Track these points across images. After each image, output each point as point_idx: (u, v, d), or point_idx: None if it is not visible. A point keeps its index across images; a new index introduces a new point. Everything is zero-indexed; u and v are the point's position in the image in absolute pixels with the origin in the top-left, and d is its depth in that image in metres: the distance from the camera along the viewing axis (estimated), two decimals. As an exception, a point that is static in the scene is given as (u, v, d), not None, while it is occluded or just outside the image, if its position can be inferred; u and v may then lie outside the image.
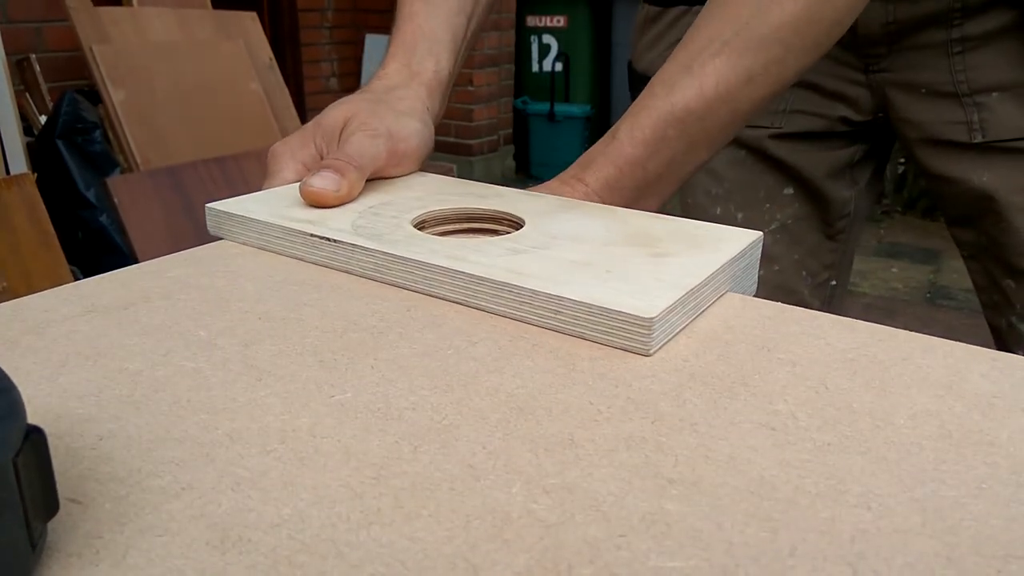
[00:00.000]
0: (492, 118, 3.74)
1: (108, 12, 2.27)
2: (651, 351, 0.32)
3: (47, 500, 0.20)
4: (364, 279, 0.39)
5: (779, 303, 0.37)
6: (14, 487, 0.18)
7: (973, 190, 0.65)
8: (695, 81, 0.48)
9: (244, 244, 0.44)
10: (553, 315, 0.34)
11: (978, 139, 0.64)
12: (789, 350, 0.32)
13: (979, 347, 0.32)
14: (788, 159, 0.74)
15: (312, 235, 0.41)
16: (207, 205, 0.45)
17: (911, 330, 0.34)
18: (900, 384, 0.30)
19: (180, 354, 0.31)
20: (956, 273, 2.65)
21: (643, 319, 0.31)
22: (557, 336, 0.33)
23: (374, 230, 0.41)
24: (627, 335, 0.32)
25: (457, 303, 0.37)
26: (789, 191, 0.75)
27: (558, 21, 3.69)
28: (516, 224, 0.44)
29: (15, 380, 0.20)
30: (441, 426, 0.27)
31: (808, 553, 0.21)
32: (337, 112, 0.51)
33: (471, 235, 0.45)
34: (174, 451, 0.25)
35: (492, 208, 0.45)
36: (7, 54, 2.01)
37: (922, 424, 0.27)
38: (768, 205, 0.76)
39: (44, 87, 2.40)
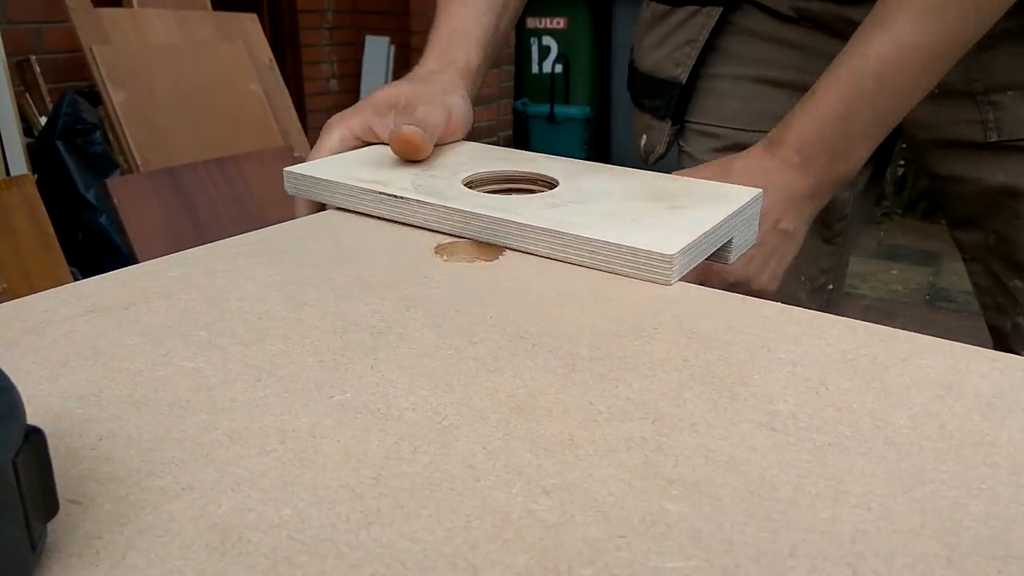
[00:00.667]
0: (492, 120, 3.74)
1: (108, 13, 2.28)
2: (672, 282, 0.38)
3: (47, 501, 0.20)
4: (365, 280, 0.39)
5: (779, 303, 0.37)
6: (14, 488, 0.18)
7: (987, 189, 0.65)
8: (887, 34, 0.50)
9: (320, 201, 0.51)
10: (590, 255, 0.40)
11: (993, 138, 0.63)
12: (789, 350, 0.32)
13: (979, 348, 0.32)
14: None
15: (381, 192, 0.47)
16: (285, 169, 0.52)
17: (910, 331, 0.34)
18: (900, 385, 0.30)
19: (180, 354, 0.31)
20: (955, 275, 2.65)
21: (666, 256, 0.38)
22: (557, 336, 0.33)
23: (432, 188, 0.47)
24: (652, 270, 0.39)
25: (509, 248, 0.43)
26: None
27: (558, 23, 3.69)
28: (550, 184, 0.50)
29: (15, 380, 0.20)
30: (441, 426, 0.27)
31: (808, 553, 0.21)
32: (388, 91, 0.56)
33: (512, 194, 0.51)
34: (174, 451, 0.25)
35: (529, 170, 0.52)
36: (7, 55, 2.01)
37: (922, 425, 0.27)
38: None
39: (44, 88, 2.40)
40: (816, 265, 0.78)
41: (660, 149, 0.78)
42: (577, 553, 0.21)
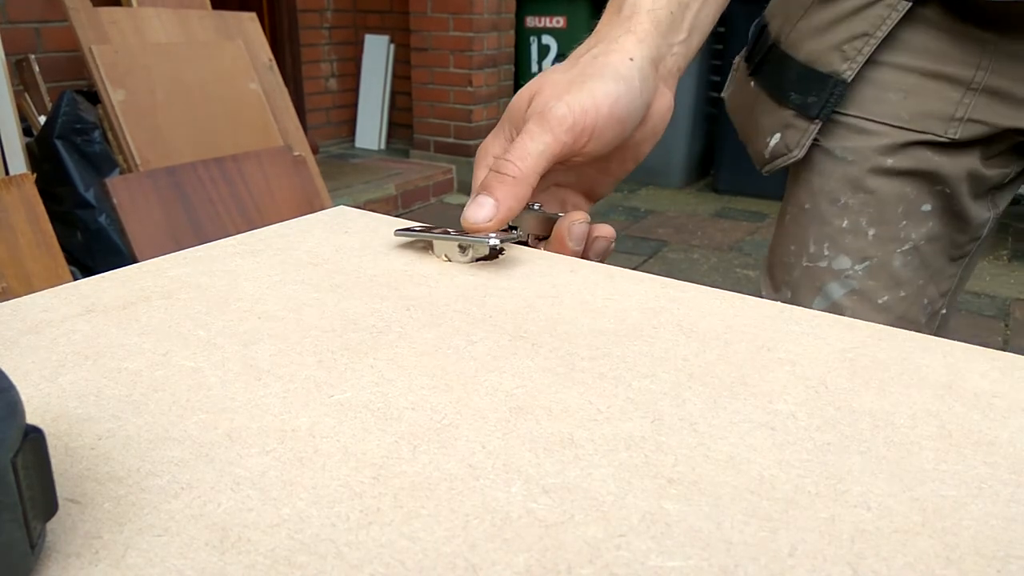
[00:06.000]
0: (492, 119, 3.74)
1: (107, 12, 2.28)
2: None
3: (46, 500, 0.20)
4: (364, 279, 0.39)
5: (779, 303, 0.37)
6: (13, 487, 0.18)
7: None
8: None
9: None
10: None
11: None
12: (789, 349, 0.32)
13: (978, 347, 0.32)
14: (941, 169, 0.64)
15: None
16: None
17: (910, 331, 0.34)
18: (900, 384, 0.30)
19: (179, 354, 0.31)
20: (955, 274, 2.65)
21: None
22: (556, 335, 0.33)
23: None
24: None
25: None
26: (927, 208, 0.65)
27: (557, 22, 3.69)
28: None
29: (14, 380, 0.20)
30: (440, 426, 0.27)
31: (808, 553, 0.21)
32: (522, 93, 0.47)
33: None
34: (173, 451, 0.25)
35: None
36: (6, 54, 2.01)
37: (922, 424, 0.27)
38: (904, 222, 0.65)
39: (43, 87, 2.40)
40: (938, 287, 0.69)
41: (798, 153, 0.66)
42: (577, 552, 0.21)
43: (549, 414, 0.27)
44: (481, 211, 0.43)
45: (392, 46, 4.16)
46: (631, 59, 0.46)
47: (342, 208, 0.53)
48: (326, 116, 4.18)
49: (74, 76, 2.68)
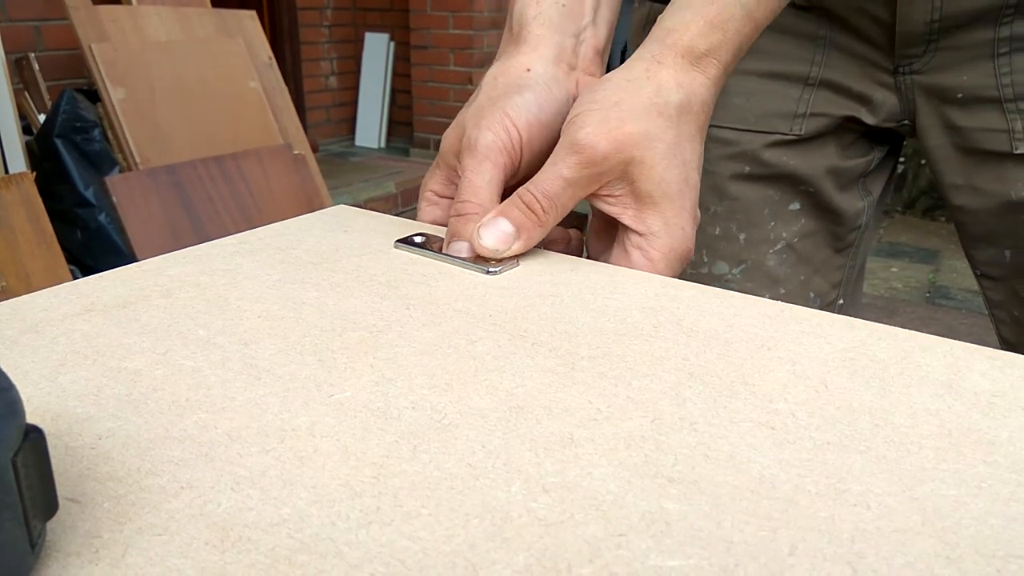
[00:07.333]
0: (491, 117, 3.74)
1: (107, 11, 2.27)
2: None
3: (46, 500, 0.20)
4: (364, 279, 0.39)
5: (780, 302, 0.37)
6: (13, 487, 0.18)
7: (1008, 204, 0.59)
8: None
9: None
10: None
11: (1020, 150, 0.58)
12: (789, 349, 0.32)
13: (978, 346, 0.32)
14: (798, 170, 0.66)
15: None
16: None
17: (911, 329, 0.34)
18: (900, 383, 0.30)
19: (179, 353, 0.31)
20: (956, 273, 2.65)
21: None
22: (556, 334, 0.33)
23: None
24: None
25: None
26: (795, 206, 0.68)
27: (557, 20, 3.69)
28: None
29: (14, 379, 0.20)
30: (440, 425, 0.27)
31: (808, 552, 0.21)
32: (450, 135, 0.49)
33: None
34: (173, 450, 0.25)
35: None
36: (6, 53, 2.00)
37: (922, 423, 0.27)
38: (773, 223, 0.68)
39: (43, 86, 2.40)
40: (827, 279, 0.71)
41: None
42: (576, 551, 0.21)
43: (549, 413, 0.27)
44: (465, 251, 0.44)
45: (392, 44, 4.16)
46: (528, 70, 0.48)
47: (342, 207, 0.53)
48: (326, 114, 4.18)
49: (74, 74, 2.68)
